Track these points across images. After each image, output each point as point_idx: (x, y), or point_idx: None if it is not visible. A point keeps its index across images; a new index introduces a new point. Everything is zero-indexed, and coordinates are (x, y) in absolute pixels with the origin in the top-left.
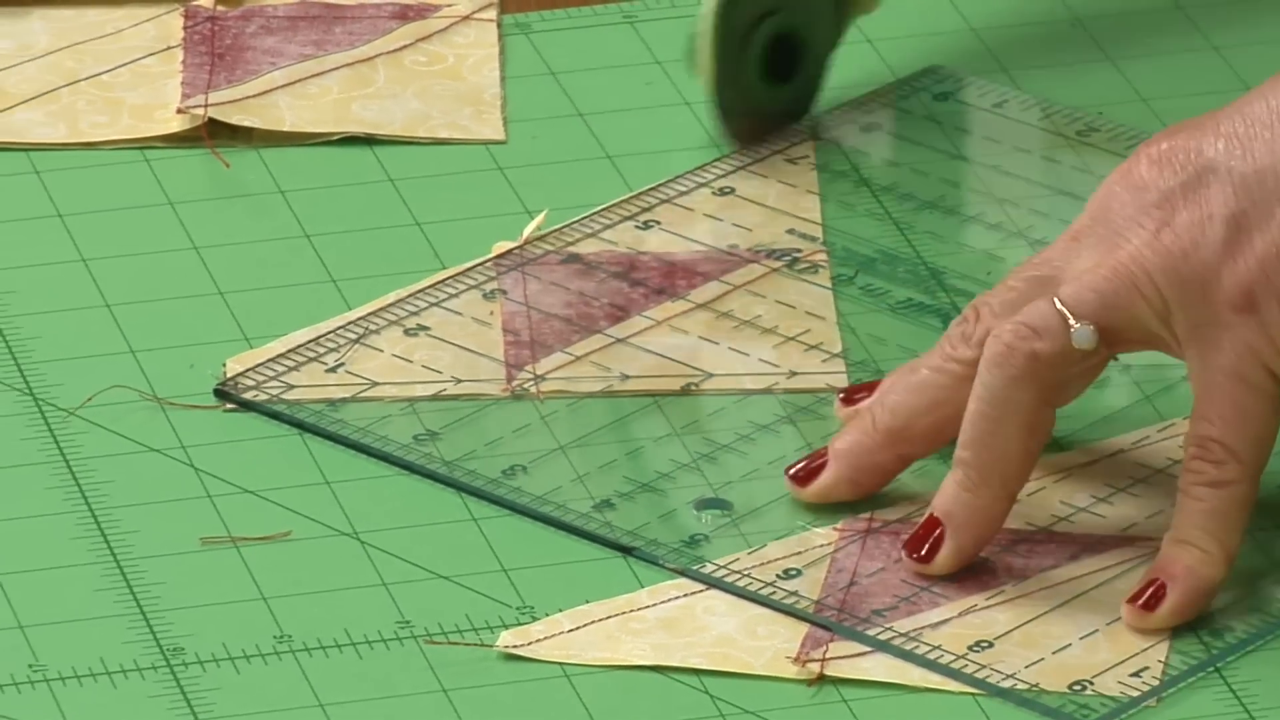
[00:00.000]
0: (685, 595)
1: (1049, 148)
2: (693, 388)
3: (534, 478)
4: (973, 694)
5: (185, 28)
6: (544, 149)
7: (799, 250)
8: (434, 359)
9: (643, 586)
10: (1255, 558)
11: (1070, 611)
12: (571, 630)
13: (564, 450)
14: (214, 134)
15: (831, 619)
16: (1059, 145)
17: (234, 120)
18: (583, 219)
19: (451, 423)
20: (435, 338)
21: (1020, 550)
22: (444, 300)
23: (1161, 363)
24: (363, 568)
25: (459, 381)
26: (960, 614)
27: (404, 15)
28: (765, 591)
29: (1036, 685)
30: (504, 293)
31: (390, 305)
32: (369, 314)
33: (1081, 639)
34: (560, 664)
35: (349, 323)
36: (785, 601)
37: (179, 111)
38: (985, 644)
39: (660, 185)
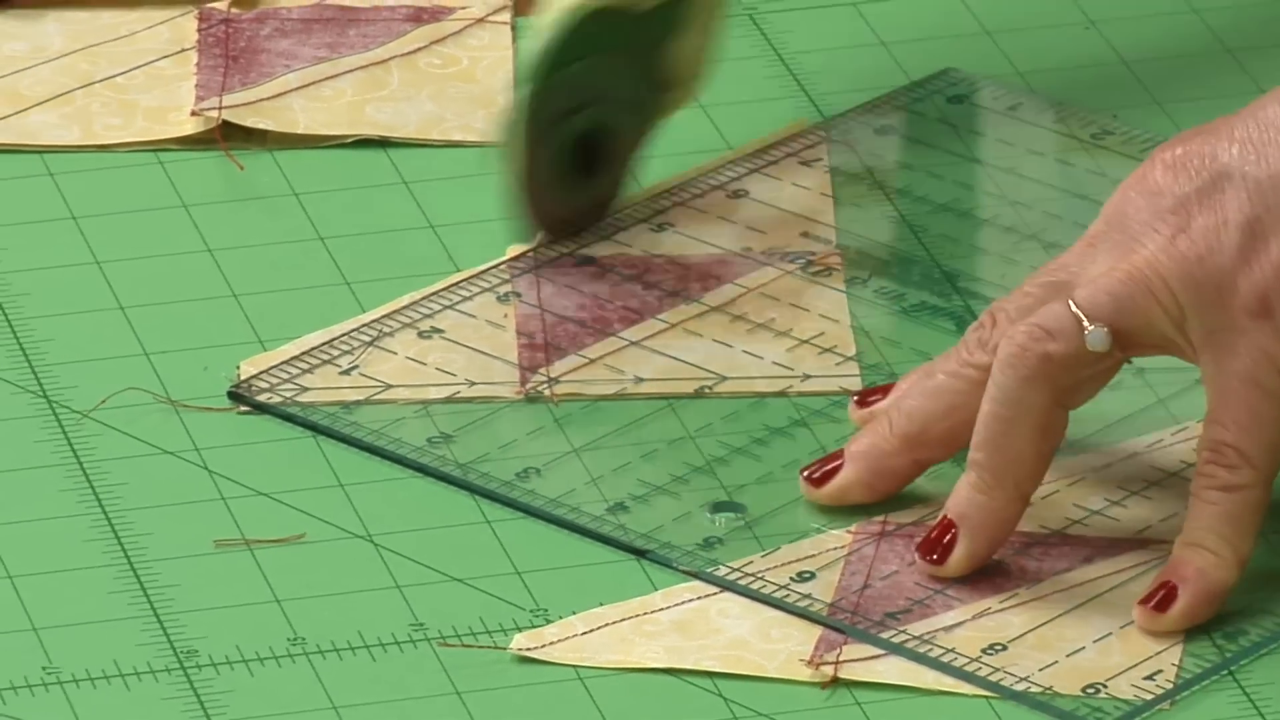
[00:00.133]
0: (699, 598)
1: (1063, 151)
2: (706, 390)
3: (548, 480)
4: (986, 697)
5: (199, 30)
6: None
7: (813, 253)
8: (448, 362)
9: (656, 589)
10: (1269, 561)
11: (1084, 614)
12: (585, 633)
13: (578, 453)
14: (228, 136)
15: (845, 622)
16: (1073, 148)
17: (248, 123)
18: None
19: (465, 425)
20: (449, 340)
21: (1034, 553)
22: (458, 303)
23: (1176, 366)
24: (376, 570)
25: (473, 384)
26: (974, 617)
27: (418, 18)
28: (779, 594)
29: (1050, 688)
30: (518, 295)
31: (404, 308)
32: (383, 316)
33: (1095, 642)
34: (574, 666)
35: (363, 325)
36: (799, 604)
37: (193, 114)
38: (999, 647)
39: (674, 188)
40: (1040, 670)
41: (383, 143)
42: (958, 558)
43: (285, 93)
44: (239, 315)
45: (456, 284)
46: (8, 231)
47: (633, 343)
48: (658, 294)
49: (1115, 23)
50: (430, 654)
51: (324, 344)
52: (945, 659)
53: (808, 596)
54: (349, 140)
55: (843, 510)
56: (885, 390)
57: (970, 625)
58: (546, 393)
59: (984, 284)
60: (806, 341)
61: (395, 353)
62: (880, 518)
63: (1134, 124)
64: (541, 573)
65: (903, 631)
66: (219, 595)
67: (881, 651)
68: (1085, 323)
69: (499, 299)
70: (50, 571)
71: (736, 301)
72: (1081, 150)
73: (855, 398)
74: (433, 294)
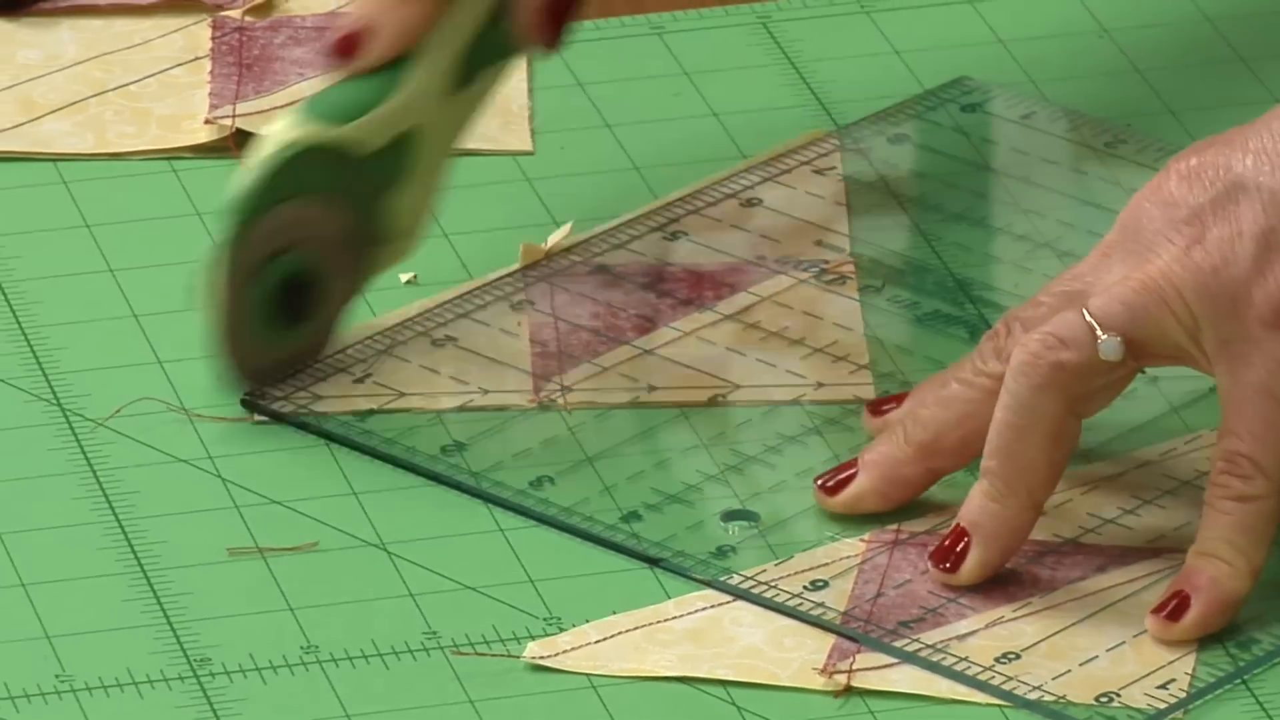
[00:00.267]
0: (712, 606)
1: (1077, 159)
2: (720, 399)
3: (561, 489)
4: (1000, 706)
5: (213, 38)
6: (572, 160)
7: (826, 261)
8: (461, 370)
9: (670, 598)
10: None
11: (1097, 623)
12: (598, 641)
13: (591, 461)
14: (241, 144)
15: (858, 630)
16: (1087, 157)
17: (262, 131)
18: (610, 230)
19: (479, 434)
20: (462, 349)
21: (1047, 562)
22: (471, 311)
23: (1188, 375)
24: (390, 578)
25: (486, 393)
26: (987, 625)
27: None
28: (792, 603)
29: (1063, 697)
30: (531, 304)
31: (417, 316)
32: (396, 325)
33: (1108, 651)
34: (587, 675)
35: (376, 333)
36: (812, 613)
37: (207, 122)
38: (1012, 655)
39: (687, 196)
40: (1053, 679)
41: None
42: (970, 566)
43: (299, 101)
44: None
45: (470, 292)
46: (21, 239)
47: (646, 351)
48: (671, 302)
49: (1129, 31)
50: (443, 662)
51: (337, 352)
52: (958, 667)
53: (821, 605)
54: None
55: (856, 519)
56: (899, 399)
57: (983, 634)
58: (559, 401)
59: (997, 292)
60: (820, 350)
61: (409, 361)
62: (894, 526)
63: (1147, 132)
64: (555, 581)
65: (916, 640)
66: (232, 603)
67: (895, 660)
68: (1098, 332)
69: (512, 307)
70: (63, 579)
71: (750, 310)
72: (1095, 159)
73: (869, 407)
74: (446, 302)
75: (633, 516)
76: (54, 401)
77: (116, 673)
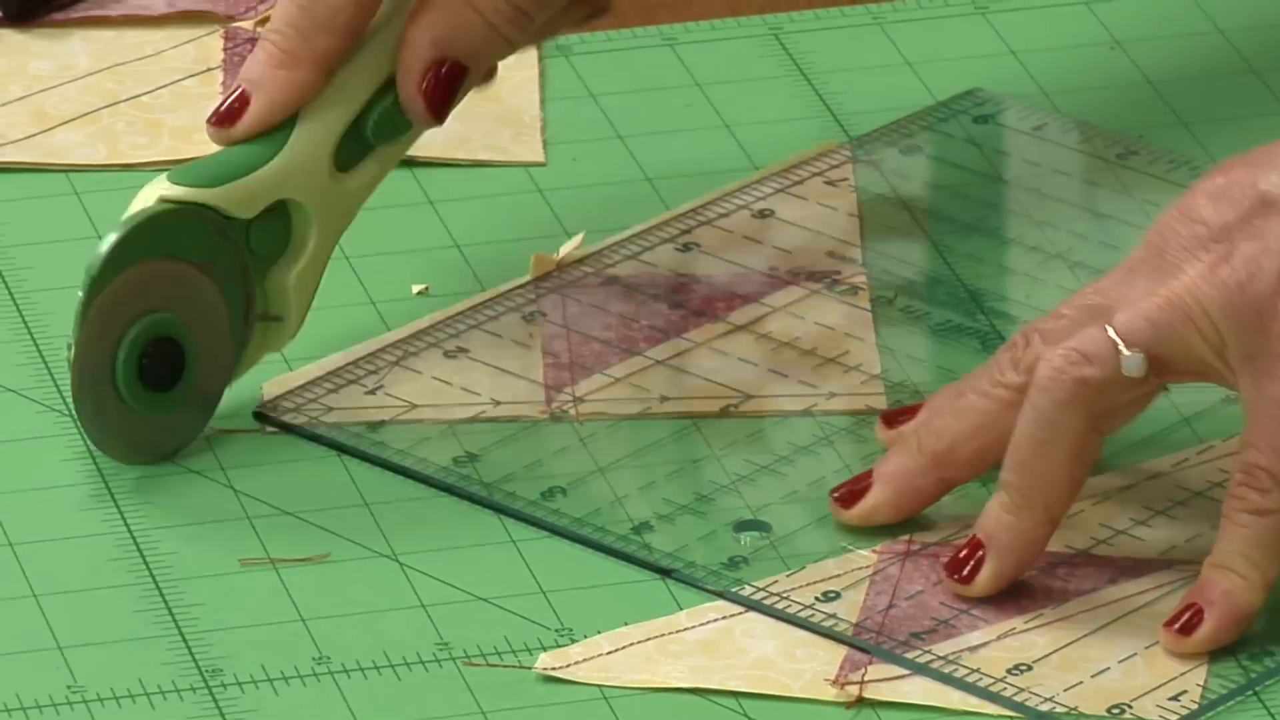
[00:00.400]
0: (724, 617)
1: (1089, 171)
2: (732, 409)
3: (573, 500)
4: (1011, 717)
5: (225, 49)
6: (583, 171)
7: (838, 272)
8: (473, 381)
9: (681, 609)
10: None
11: (1109, 635)
12: (610, 652)
13: (603, 472)
14: None
15: (870, 641)
16: (1099, 168)
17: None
18: (622, 241)
19: (491, 445)
20: (475, 360)
21: (1059, 573)
22: (483, 323)
23: (1201, 385)
24: (401, 589)
25: (498, 404)
26: (999, 637)
27: None
28: (804, 614)
29: (1075, 709)
30: (543, 315)
31: (429, 327)
32: (408, 336)
33: (1120, 662)
34: (598, 686)
35: (388, 345)
36: (824, 624)
37: None
38: (1024, 667)
39: (699, 207)
40: (1065, 690)
41: (408, 161)
42: (985, 578)
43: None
44: None
45: (482, 304)
46: (33, 250)
47: (658, 362)
48: (683, 313)
49: (1141, 43)
50: (455, 673)
51: (350, 364)
52: (970, 679)
53: (833, 616)
54: None
55: (868, 530)
56: (912, 411)
57: (995, 645)
58: (571, 412)
59: (1010, 303)
60: (832, 360)
61: (420, 372)
62: (905, 537)
63: (1160, 144)
64: (566, 592)
65: (928, 651)
66: (244, 614)
67: (906, 671)
68: (1122, 348)
69: (524, 318)
70: (75, 590)
71: (762, 320)
72: (1107, 170)
73: (883, 418)
74: (458, 314)
75: (644, 527)
76: (66, 412)
77: (128, 684)
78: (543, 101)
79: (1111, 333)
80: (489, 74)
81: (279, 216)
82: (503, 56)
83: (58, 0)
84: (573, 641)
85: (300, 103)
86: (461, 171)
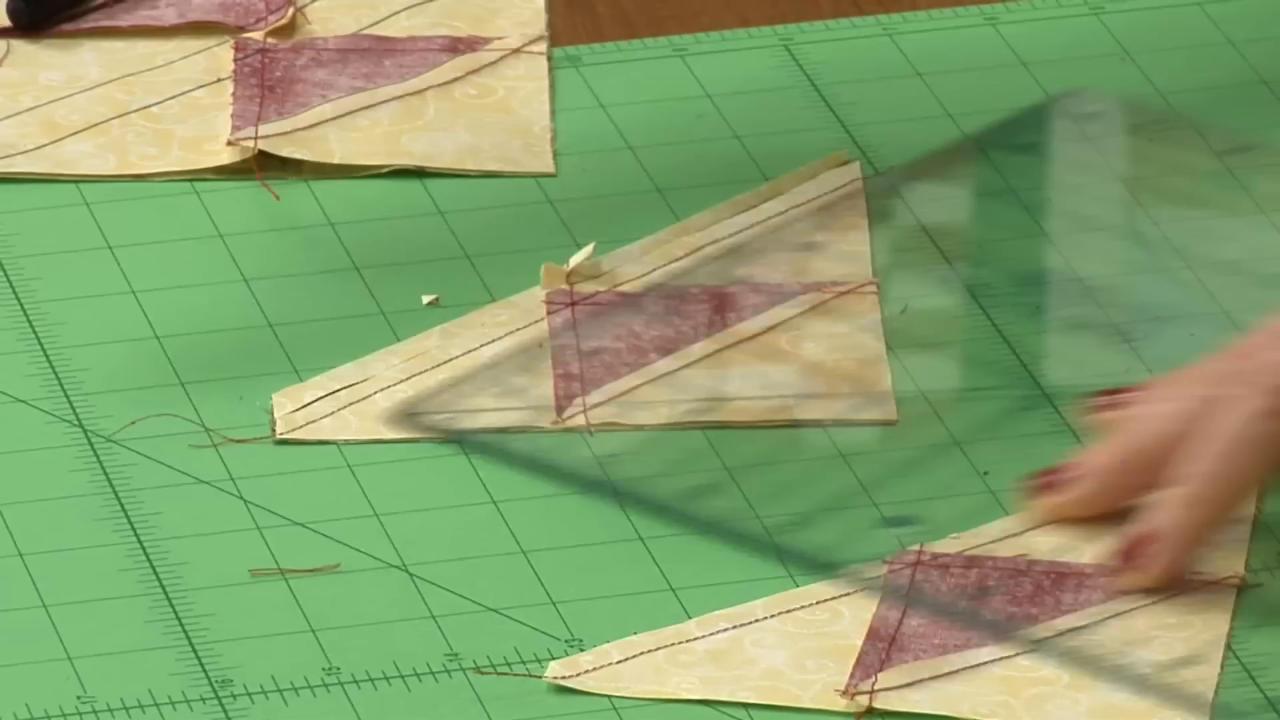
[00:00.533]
0: (734, 627)
1: (1201, 167)
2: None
3: (719, 500)
4: None
5: (236, 60)
6: (594, 182)
7: (849, 282)
8: (484, 391)
9: (690, 618)
10: None
11: (1122, 657)
12: (620, 662)
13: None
14: (264, 166)
15: (880, 652)
16: (1212, 165)
17: (284, 152)
18: (632, 251)
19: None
20: (486, 369)
21: (1069, 585)
22: (494, 334)
23: None
24: (411, 600)
25: (509, 413)
26: (1013, 655)
27: (454, 48)
28: (814, 622)
29: None
30: (554, 326)
31: (439, 339)
32: (418, 347)
33: (1131, 683)
34: (608, 696)
35: (400, 360)
36: (833, 634)
37: (229, 144)
38: (1036, 684)
39: (710, 220)
40: (1076, 709)
41: (419, 173)
42: (1156, 569)
43: (321, 123)
44: (275, 345)
45: (492, 315)
46: (44, 260)
47: (668, 372)
48: (693, 324)
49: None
50: (465, 684)
51: (361, 382)
52: (981, 691)
53: (843, 626)
54: (385, 170)
55: (876, 540)
56: (1125, 394)
57: (1006, 664)
58: (582, 423)
59: (1119, 292)
60: (843, 370)
61: (430, 384)
62: (915, 547)
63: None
64: (576, 602)
65: (939, 662)
66: (254, 625)
67: (917, 679)
68: None
69: (535, 329)
70: (85, 601)
71: (773, 331)
72: (1222, 169)
73: (1095, 400)
74: (468, 324)
75: (796, 524)
76: (76, 423)
77: (138, 694)
78: (553, 112)
79: None
80: None
81: None
82: None
83: (68, 10)
84: (582, 651)
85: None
86: (472, 182)
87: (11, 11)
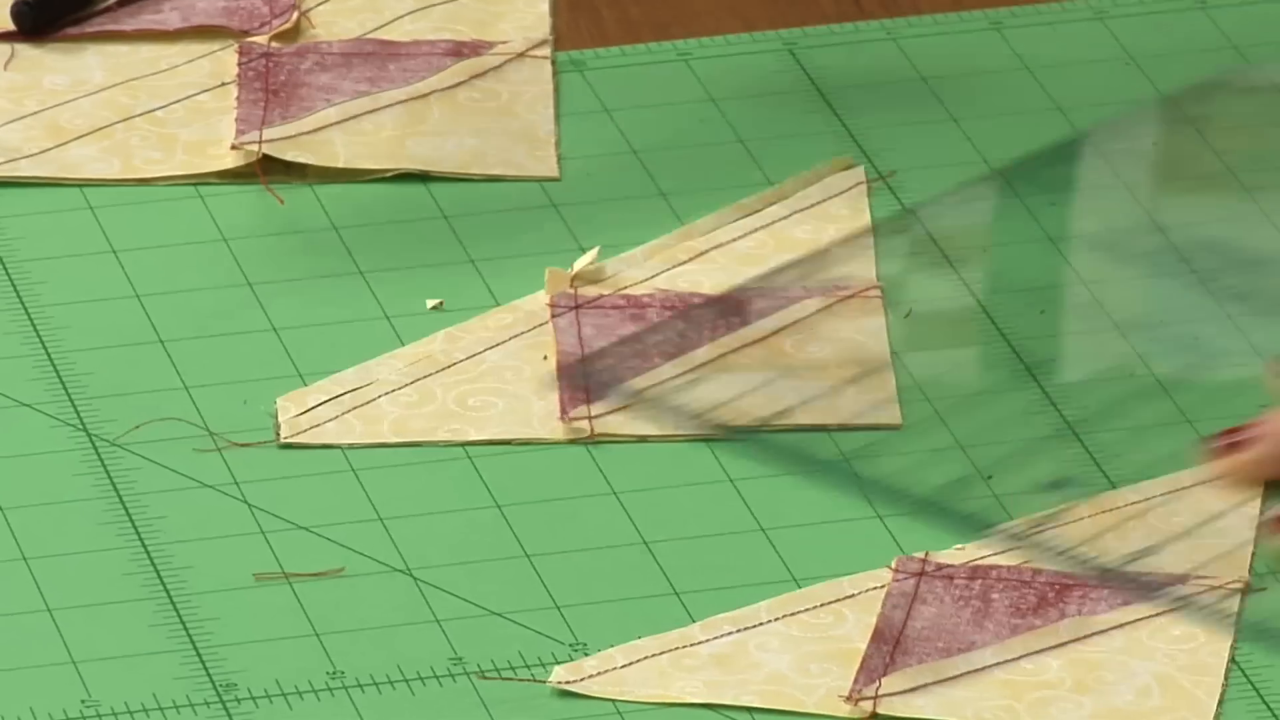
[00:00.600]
0: (738, 630)
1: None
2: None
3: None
4: None
5: (240, 64)
6: (598, 186)
7: (853, 285)
8: (488, 398)
9: (694, 621)
10: None
11: (1124, 659)
12: (624, 666)
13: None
14: (268, 170)
15: (884, 656)
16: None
17: (288, 157)
18: (636, 256)
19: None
20: (489, 375)
21: (1073, 595)
22: (498, 339)
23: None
24: (415, 604)
25: (514, 421)
26: (1014, 659)
27: (458, 52)
28: (818, 627)
29: None
30: (559, 333)
31: (443, 343)
32: (422, 351)
33: (1134, 687)
34: (612, 700)
35: (404, 364)
36: (837, 638)
37: (233, 148)
38: (1039, 688)
39: (715, 223)
40: (1080, 713)
41: (423, 177)
42: (1246, 458)
43: (325, 127)
44: (279, 349)
45: (496, 319)
46: (48, 265)
47: (674, 377)
48: (698, 328)
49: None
50: (469, 687)
51: (365, 386)
52: (983, 696)
53: (847, 631)
54: (389, 174)
55: (879, 547)
56: None
57: (1008, 667)
58: (587, 430)
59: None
60: (847, 374)
61: (434, 390)
62: (920, 555)
63: None
64: (580, 606)
65: (941, 667)
66: (258, 629)
67: (920, 684)
68: None
69: (539, 336)
70: (89, 604)
71: (778, 335)
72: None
73: (1272, 367)
74: (471, 329)
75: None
76: (80, 427)
77: (142, 698)
78: (557, 116)
79: None
80: None
81: None
82: None
83: (73, 15)
84: (586, 655)
85: None
86: (476, 186)
87: (16, 15)
